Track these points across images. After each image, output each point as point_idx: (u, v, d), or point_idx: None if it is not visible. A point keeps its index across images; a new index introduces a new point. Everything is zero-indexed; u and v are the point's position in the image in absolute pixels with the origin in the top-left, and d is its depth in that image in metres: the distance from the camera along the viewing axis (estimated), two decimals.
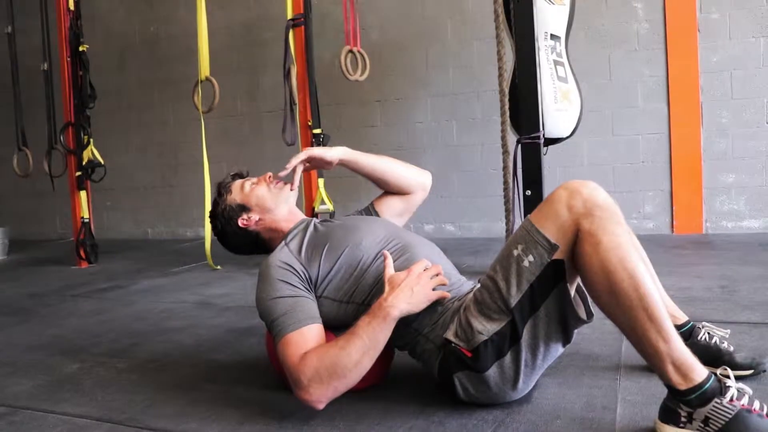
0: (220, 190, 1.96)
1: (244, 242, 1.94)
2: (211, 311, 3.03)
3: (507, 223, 3.33)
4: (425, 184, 2.08)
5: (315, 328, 1.58)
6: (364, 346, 1.50)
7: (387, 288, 1.57)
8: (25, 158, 5.18)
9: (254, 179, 1.96)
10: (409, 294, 1.54)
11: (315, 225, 1.88)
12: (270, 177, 1.94)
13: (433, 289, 1.58)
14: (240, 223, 1.90)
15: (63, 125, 4.83)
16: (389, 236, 1.79)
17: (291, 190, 1.91)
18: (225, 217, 1.92)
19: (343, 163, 1.97)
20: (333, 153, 1.93)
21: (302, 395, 1.51)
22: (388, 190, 2.06)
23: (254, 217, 1.90)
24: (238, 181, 1.97)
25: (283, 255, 1.74)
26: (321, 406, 1.53)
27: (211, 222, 1.97)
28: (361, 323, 1.52)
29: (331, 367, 1.48)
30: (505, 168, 3.27)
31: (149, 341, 2.54)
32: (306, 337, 1.55)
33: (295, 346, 1.53)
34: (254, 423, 1.62)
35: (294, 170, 1.89)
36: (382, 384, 1.80)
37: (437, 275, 1.61)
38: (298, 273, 1.68)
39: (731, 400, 1.28)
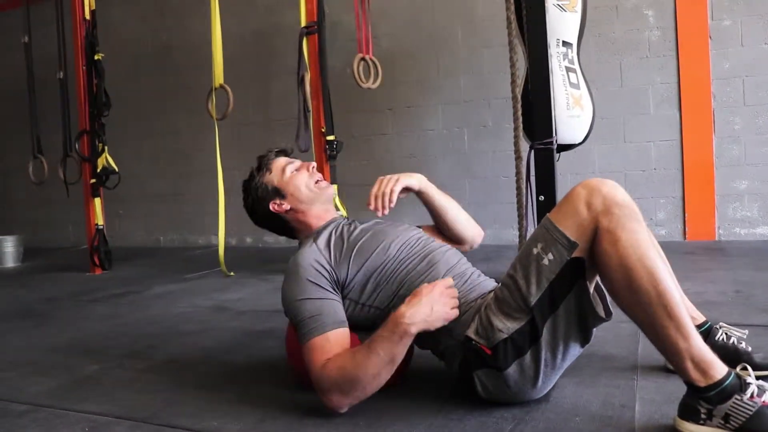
0: (261, 164, 1.93)
1: (271, 224, 1.93)
2: (227, 315, 3.05)
3: (520, 229, 3.33)
4: (475, 241, 2.04)
5: (341, 333, 1.60)
6: (382, 362, 1.52)
7: (409, 298, 1.57)
8: (40, 166, 5.24)
9: (297, 164, 1.93)
10: (428, 311, 1.53)
11: (345, 226, 1.85)
12: (313, 168, 1.92)
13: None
14: (271, 207, 1.88)
15: (78, 133, 4.89)
16: (415, 242, 1.79)
17: (384, 213, 1.81)
18: (258, 196, 1.90)
19: (419, 192, 1.91)
20: (414, 180, 1.88)
21: (324, 399, 1.57)
22: (443, 231, 2.01)
23: (286, 205, 1.87)
24: (281, 162, 1.93)
25: (312, 254, 1.72)
26: (343, 410, 1.57)
27: (243, 193, 1.94)
28: (377, 338, 1.53)
29: (350, 380, 1.52)
30: (518, 174, 3.27)
31: (166, 343, 2.56)
32: (331, 341, 1.57)
33: (319, 352, 1.56)
34: (274, 421, 1.63)
35: (391, 194, 1.81)
36: (401, 384, 1.81)
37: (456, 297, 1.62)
38: (327, 273, 1.68)
39: (752, 396, 1.28)
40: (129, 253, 5.94)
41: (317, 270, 1.68)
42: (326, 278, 1.68)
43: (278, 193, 1.88)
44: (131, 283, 4.22)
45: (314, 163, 1.94)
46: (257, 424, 1.62)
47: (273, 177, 1.90)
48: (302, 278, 1.66)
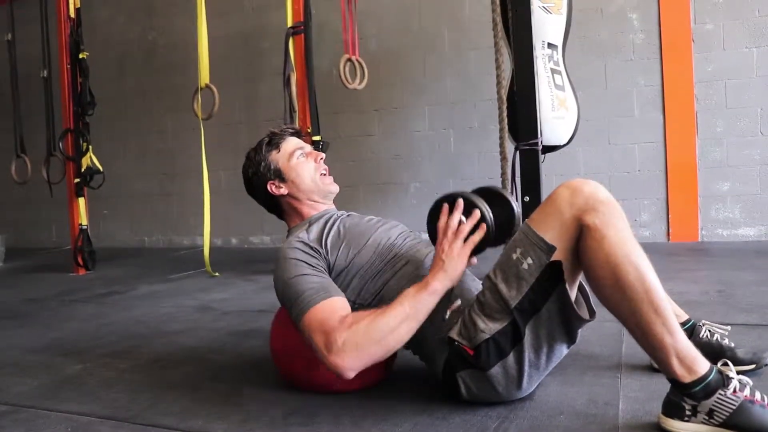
0: (272, 140, 1.90)
1: (263, 200, 1.92)
2: (212, 315, 3.03)
3: None
4: None
5: (344, 300, 1.58)
6: (405, 313, 1.47)
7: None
8: (23, 165, 5.19)
9: (307, 149, 1.92)
10: (442, 266, 1.52)
11: (337, 218, 1.84)
12: (321, 159, 1.90)
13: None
14: (268, 186, 1.87)
15: (62, 132, 4.84)
16: (402, 241, 1.79)
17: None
18: (257, 172, 1.88)
19: None
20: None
21: (333, 359, 1.46)
22: None
23: (284, 190, 1.86)
24: (291, 144, 1.90)
25: (303, 238, 1.72)
26: (351, 374, 1.48)
27: (246, 160, 1.92)
28: (406, 293, 1.51)
29: (370, 329, 1.46)
30: (503, 175, 3.28)
31: (151, 343, 2.54)
32: (339, 304, 1.54)
33: (331, 311, 1.52)
34: (259, 420, 1.62)
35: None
36: (385, 383, 1.81)
37: (475, 231, 1.55)
38: (319, 257, 1.68)
39: (734, 391, 1.30)
40: (113, 254, 5.89)
41: (309, 254, 1.67)
42: (317, 260, 1.67)
43: (279, 175, 1.87)
44: (115, 284, 4.18)
45: (323, 155, 1.92)
46: (242, 423, 1.61)
47: (279, 157, 1.88)
48: (295, 258, 1.65)
